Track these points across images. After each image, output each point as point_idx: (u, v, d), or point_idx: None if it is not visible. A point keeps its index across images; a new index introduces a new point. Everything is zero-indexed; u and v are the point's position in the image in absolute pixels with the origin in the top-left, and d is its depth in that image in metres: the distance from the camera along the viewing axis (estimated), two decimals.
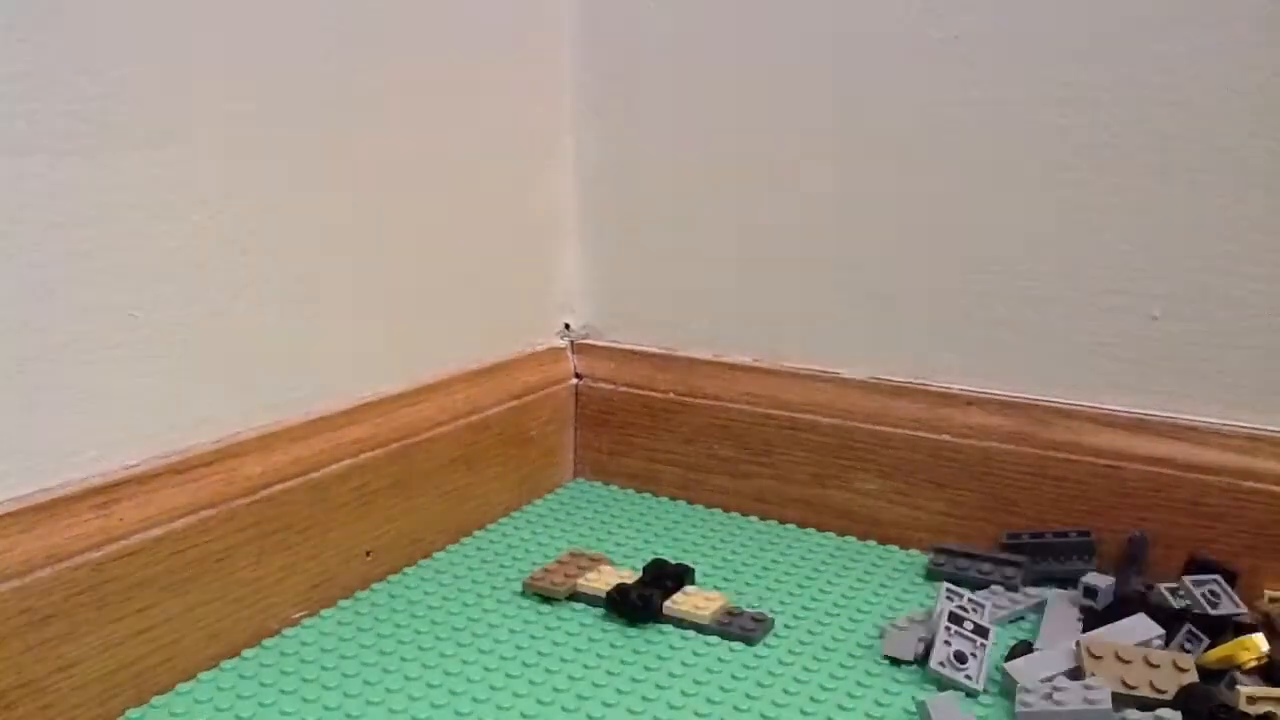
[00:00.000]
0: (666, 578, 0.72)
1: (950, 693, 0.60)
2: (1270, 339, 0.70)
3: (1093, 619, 0.66)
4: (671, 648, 0.67)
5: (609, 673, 0.64)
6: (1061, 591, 0.71)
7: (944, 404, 0.80)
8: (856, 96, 0.80)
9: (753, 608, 0.71)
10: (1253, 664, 0.60)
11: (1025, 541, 0.75)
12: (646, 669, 0.64)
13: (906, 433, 0.80)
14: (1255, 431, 0.71)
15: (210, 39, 0.62)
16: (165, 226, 0.61)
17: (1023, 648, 0.64)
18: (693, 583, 0.74)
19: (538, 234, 0.92)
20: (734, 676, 0.64)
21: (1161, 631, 0.63)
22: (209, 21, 0.62)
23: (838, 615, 0.71)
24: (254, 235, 0.66)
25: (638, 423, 0.92)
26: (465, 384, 0.83)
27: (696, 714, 0.60)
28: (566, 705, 0.60)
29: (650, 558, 0.75)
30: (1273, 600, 0.67)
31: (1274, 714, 0.56)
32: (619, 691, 0.62)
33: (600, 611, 0.71)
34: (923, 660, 0.64)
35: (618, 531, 0.85)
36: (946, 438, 0.79)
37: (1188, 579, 0.66)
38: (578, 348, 0.95)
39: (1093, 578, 0.69)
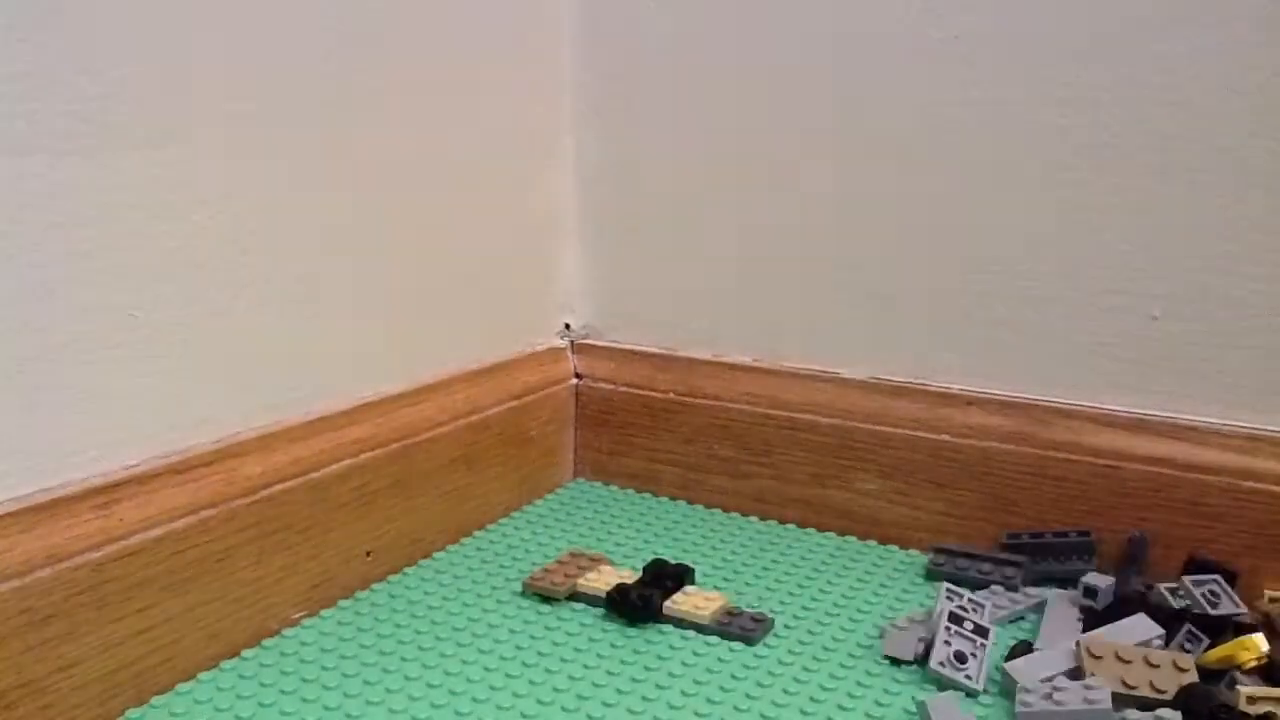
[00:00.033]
0: (666, 578, 0.72)
1: (950, 693, 0.60)
2: (1270, 339, 0.70)
3: (1093, 619, 0.66)
4: (671, 648, 0.67)
5: (609, 673, 0.64)
6: (1061, 591, 0.71)
7: (944, 404, 0.80)
8: (856, 96, 0.80)
9: (753, 608, 0.71)
10: (1253, 664, 0.60)
11: (1025, 541, 0.75)
12: (646, 669, 0.64)
13: (906, 433, 0.80)
14: (1255, 431, 0.71)
15: (210, 39, 0.62)
16: (165, 226, 0.61)
17: (1023, 648, 0.64)
18: (693, 583, 0.74)
19: (538, 234, 0.92)
20: (734, 676, 0.64)
21: (1161, 631, 0.63)
22: (209, 21, 0.62)
23: (838, 615, 0.71)
24: (254, 235, 0.66)
25: (638, 423, 0.92)
26: (465, 384, 0.83)
27: (696, 714, 0.60)
28: (566, 705, 0.60)
29: (650, 558, 0.75)
30: (1273, 600, 0.67)
31: (1274, 714, 0.56)
32: (619, 691, 0.62)
33: (600, 611, 0.71)
34: (923, 660, 0.64)
35: (618, 531, 0.85)
36: (946, 438, 0.79)
37: (1188, 579, 0.66)
38: (578, 348, 0.95)
39: (1093, 578, 0.69)
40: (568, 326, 0.96)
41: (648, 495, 0.92)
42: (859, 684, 0.63)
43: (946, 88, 0.77)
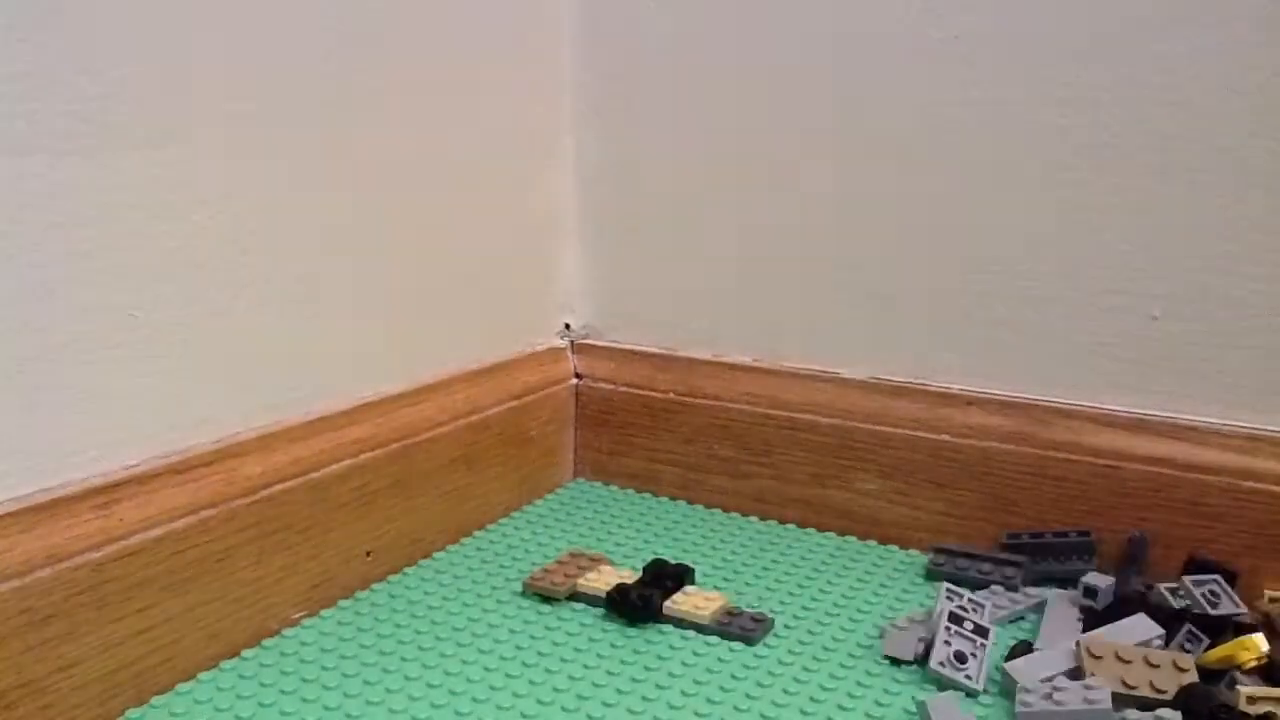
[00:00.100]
0: (666, 578, 0.72)
1: (950, 693, 0.60)
2: (1270, 339, 0.70)
3: (1093, 619, 0.66)
4: (671, 648, 0.67)
5: (609, 673, 0.64)
6: (1061, 591, 0.71)
7: (944, 404, 0.80)
8: (856, 96, 0.80)
9: (753, 608, 0.71)
10: (1253, 664, 0.60)
11: (1025, 541, 0.75)
12: (646, 669, 0.64)
13: (906, 433, 0.80)
14: (1255, 431, 0.71)
15: (210, 39, 0.62)
16: (165, 226, 0.61)
17: (1023, 648, 0.64)
18: (693, 583, 0.74)
19: (538, 234, 0.92)
20: (734, 676, 0.64)
21: (1161, 631, 0.63)
22: (209, 21, 0.62)
23: (838, 615, 0.71)
24: (254, 235, 0.66)
25: (638, 423, 0.92)
26: (465, 384, 0.83)
27: (696, 714, 0.60)
28: (566, 705, 0.60)
29: (650, 558, 0.75)
30: (1273, 600, 0.67)
31: (1274, 714, 0.56)
32: (619, 691, 0.62)
33: (600, 611, 0.71)
34: (923, 660, 0.64)
35: (618, 531, 0.85)
36: (946, 438, 0.79)
37: (1188, 579, 0.66)
38: (578, 348, 0.95)
39: (1093, 578, 0.69)
40: (568, 326, 0.96)
41: (648, 495, 0.92)
42: (859, 684, 0.63)
43: (946, 88, 0.77)
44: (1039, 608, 0.70)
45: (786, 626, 0.69)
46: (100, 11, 0.56)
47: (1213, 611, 0.64)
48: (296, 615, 0.69)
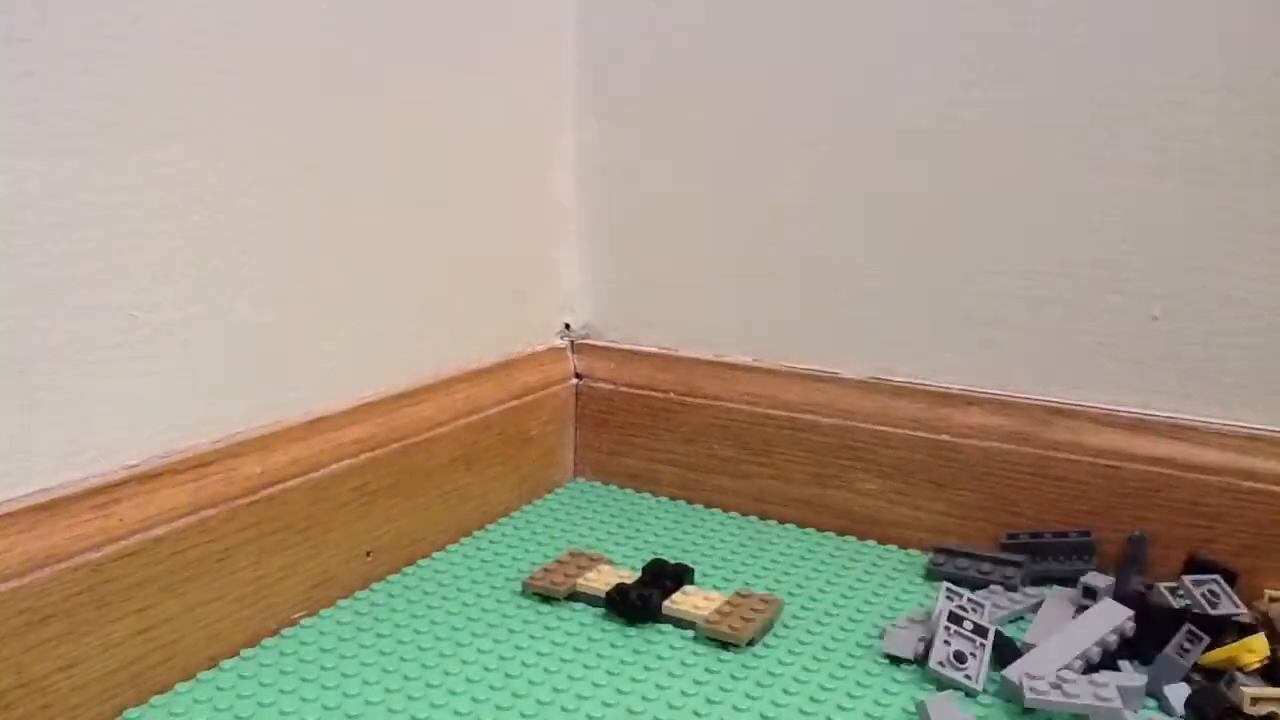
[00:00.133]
0: (666, 577, 0.72)
1: (949, 692, 0.60)
2: (1270, 339, 0.70)
3: None
4: (671, 648, 0.67)
5: (609, 673, 0.64)
6: (1061, 589, 0.71)
7: (944, 404, 0.80)
8: (857, 96, 0.80)
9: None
10: (1255, 665, 0.60)
11: (1025, 541, 0.75)
12: (646, 669, 0.64)
13: (906, 433, 0.80)
14: (1255, 431, 0.71)
15: (210, 39, 0.62)
16: (165, 226, 0.61)
17: (1010, 653, 0.63)
18: (692, 582, 0.74)
19: (538, 234, 0.92)
20: (734, 676, 0.64)
21: (1130, 613, 0.63)
22: (209, 21, 0.62)
23: (837, 615, 0.71)
24: (254, 235, 0.66)
25: (638, 423, 0.92)
26: (465, 384, 0.83)
27: (696, 714, 0.60)
28: (566, 705, 0.60)
29: (650, 557, 0.75)
30: (1273, 600, 0.67)
31: (1277, 714, 0.56)
32: (619, 691, 0.62)
33: (600, 611, 0.71)
34: (922, 660, 0.64)
35: (618, 531, 0.85)
36: (946, 438, 0.79)
37: (1187, 579, 0.66)
38: (578, 348, 0.95)
39: (1092, 577, 0.69)
40: (568, 326, 0.96)
41: (648, 495, 0.92)
42: (858, 684, 0.63)
43: (947, 87, 0.77)
44: (1039, 608, 0.70)
45: (786, 626, 0.69)
46: (100, 11, 0.56)
47: (1213, 611, 0.64)
48: (296, 615, 0.69)
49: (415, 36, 0.76)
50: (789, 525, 0.86)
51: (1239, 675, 0.59)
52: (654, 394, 0.91)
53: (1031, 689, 0.57)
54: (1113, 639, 0.63)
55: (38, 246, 0.55)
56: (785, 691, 0.62)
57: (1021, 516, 0.77)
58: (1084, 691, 0.57)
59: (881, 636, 0.66)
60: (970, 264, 0.78)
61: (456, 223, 0.82)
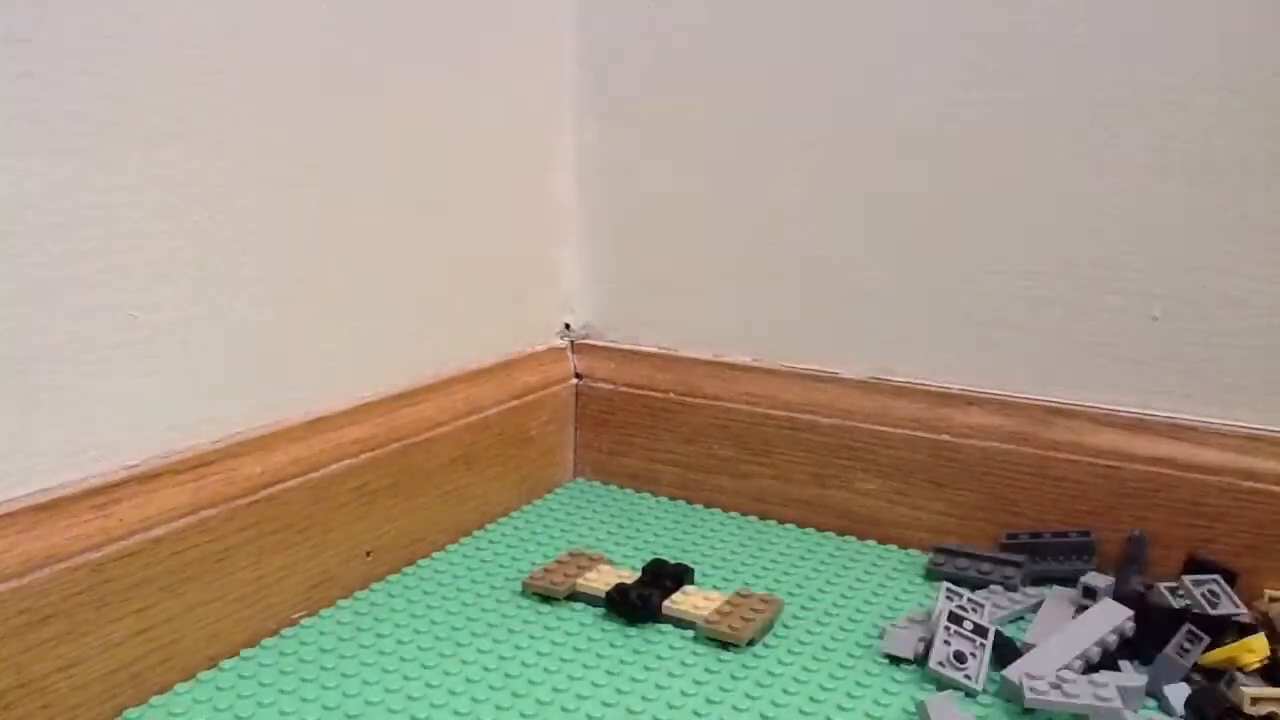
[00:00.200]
0: (666, 577, 0.72)
1: (949, 692, 0.60)
2: (1270, 339, 0.70)
3: None
4: (671, 647, 0.67)
5: (609, 673, 0.64)
6: (1061, 589, 0.71)
7: (944, 404, 0.80)
8: (857, 96, 0.80)
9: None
10: (1256, 666, 0.60)
11: (1025, 541, 0.75)
12: (646, 669, 0.64)
13: (906, 433, 0.80)
14: (1255, 431, 0.71)
15: (210, 39, 0.62)
16: (165, 226, 0.61)
17: (1010, 653, 0.63)
18: (692, 583, 0.74)
19: (538, 234, 0.92)
20: (733, 676, 0.64)
21: (1130, 613, 0.63)
22: (209, 21, 0.62)
23: (837, 615, 0.71)
24: (254, 235, 0.66)
25: (638, 423, 0.92)
26: (465, 384, 0.83)
27: (696, 714, 0.60)
28: (566, 705, 0.60)
29: (650, 557, 0.75)
30: (1273, 600, 0.67)
31: (1277, 714, 0.56)
32: (619, 691, 0.62)
33: (600, 611, 0.71)
34: (922, 660, 0.64)
35: (618, 531, 0.85)
36: (946, 438, 0.79)
37: (1187, 579, 0.66)
38: (578, 348, 0.95)
39: (1092, 577, 0.69)
40: (568, 326, 0.96)
41: (648, 495, 0.92)
42: (858, 684, 0.63)
43: (947, 87, 0.77)
44: (1038, 608, 0.70)
45: (786, 626, 0.69)
46: (100, 11, 0.56)
47: (1212, 611, 0.64)
48: (296, 615, 0.69)
49: (415, 36, 0.76)
50: (789, 525, 0.86)
51: (1239, 675, 0.59)
52: (654, 394, 0.91)
53: (1031, 689, 0.57)
54: (1113, 639, 0.63)
55: (38, 246, 0.55)
56: (785, 691, 0.62)
57: (1021, 516, 0.77)
58: (1084, 691, 0.57)
59: (881, 636, 0.66)
60: (970, 264, 0.78)
61: (456, 223, 0.82)
